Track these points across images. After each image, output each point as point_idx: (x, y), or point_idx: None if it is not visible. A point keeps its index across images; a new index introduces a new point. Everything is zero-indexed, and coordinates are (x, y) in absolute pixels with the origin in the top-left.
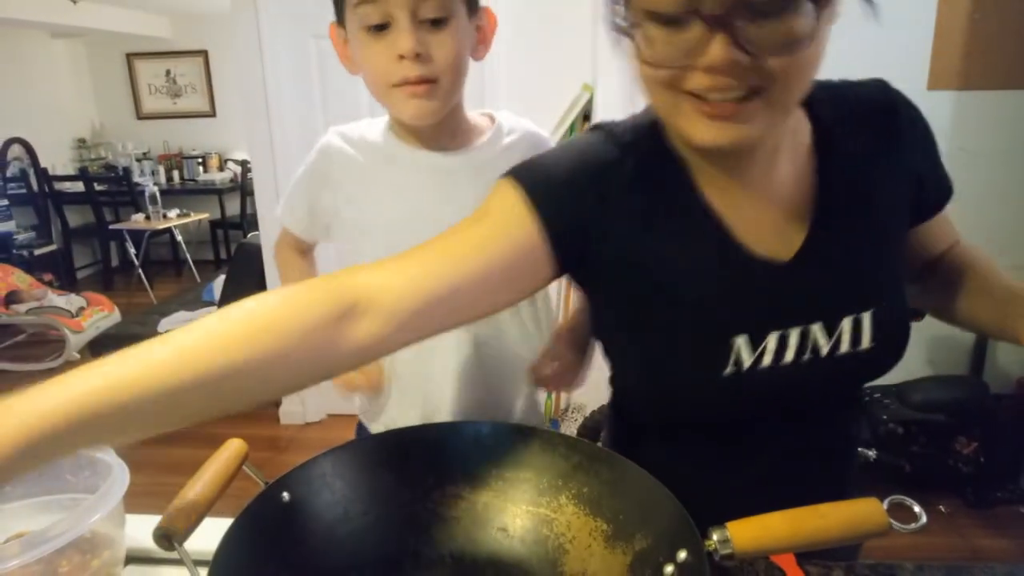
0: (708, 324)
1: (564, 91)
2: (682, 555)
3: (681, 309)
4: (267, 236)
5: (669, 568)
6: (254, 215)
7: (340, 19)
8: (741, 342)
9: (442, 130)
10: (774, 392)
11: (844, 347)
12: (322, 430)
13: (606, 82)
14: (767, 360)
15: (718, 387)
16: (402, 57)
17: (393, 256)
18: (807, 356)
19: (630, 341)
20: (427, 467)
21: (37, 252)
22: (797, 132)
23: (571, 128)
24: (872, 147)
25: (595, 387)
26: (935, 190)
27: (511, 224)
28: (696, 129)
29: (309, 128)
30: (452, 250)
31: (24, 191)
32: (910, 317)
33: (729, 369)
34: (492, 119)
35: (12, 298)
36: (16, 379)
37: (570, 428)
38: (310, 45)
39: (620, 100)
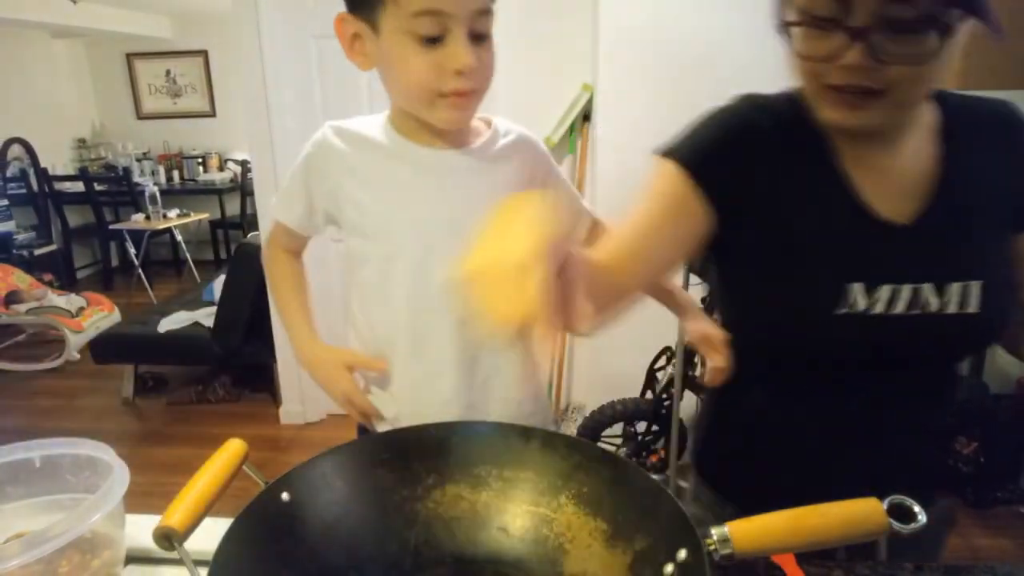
0: (830, 269)
1: (564, 91)
2: (682, 555)
3: (810, 255)
4: (267, 236)
5: (669, 568)
6: (254, 215)
7: (363, 14)
8: (857, 288)
9: (454, 134)
10: (882, 337)
11: (951, 308)
12: (322, 430)
13: (606, 82)
14: (879, 307)
15: (831, 323)
16: (459, 72)
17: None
18: (916, 311)
19: (762, 281)
20: (427, 467)
21: (37, 252)
22: (926, 118)
23: (571, 127)
24: (991, 147)
25: (595, 387)
26: None
27: (674, 194)
28: (828, 112)
29: (309, 128)
30: (635, 226)
31: (24, 191)
32: (1018, 295)
33: (843, 309)
34: (488, 123)
35: (12, 298)
36: (16, 379)
37: (570, 428)
38: (310, 45)
39: (619, 100)
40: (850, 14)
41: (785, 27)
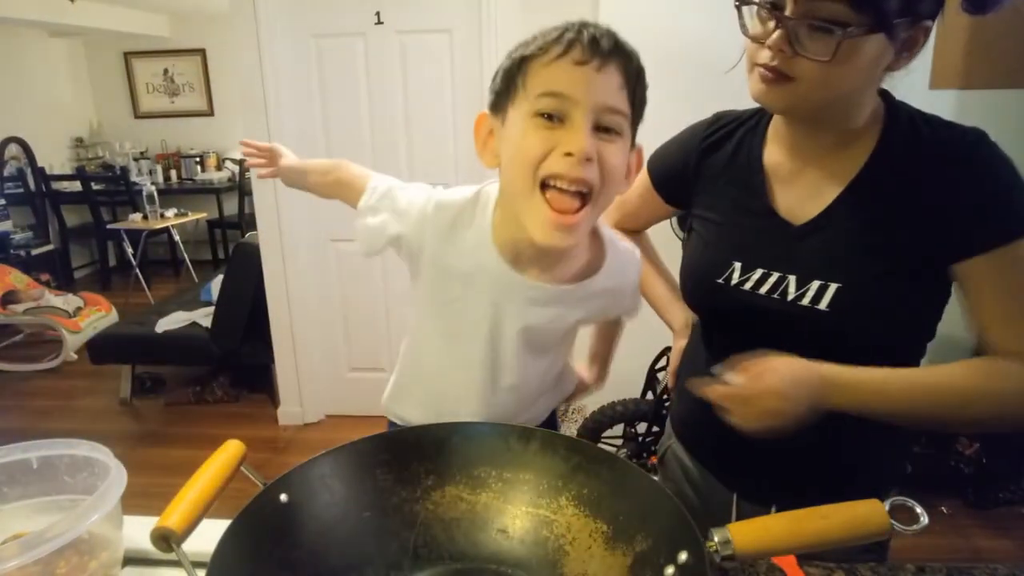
0: (724, 247)
1: None
2: (683, 556)
3: (715, 235)
4: (265, 235)
5: (670, 570)
6: (252, 215)
7: (498, 107)
8: (737, 265)
9: (559, 259)
10: (749, 311)
11: (804, 301)
12: (321, 431)
13: None
14: (748, 285)
15: (714, 289)
16: (569, 154)
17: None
18: (776, 295)
19: (690, 247)
20: (426, 468)
21: (34, 252)
22: (867, 130)
23: None
24: (937, 173)
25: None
26: (974, 228)
27: (643, 184)
28: (753, 85)
29: (307, 127)
30: (626, 199)
31: (21, 190)
32: (883, 311)
33: (721, 279)
34: (597, 238)
35: (9, 298)
36: (13, 380)
37: (570, 429)
38: (309, 44)
39: None
40: (785, 4)
41: (739, 6)
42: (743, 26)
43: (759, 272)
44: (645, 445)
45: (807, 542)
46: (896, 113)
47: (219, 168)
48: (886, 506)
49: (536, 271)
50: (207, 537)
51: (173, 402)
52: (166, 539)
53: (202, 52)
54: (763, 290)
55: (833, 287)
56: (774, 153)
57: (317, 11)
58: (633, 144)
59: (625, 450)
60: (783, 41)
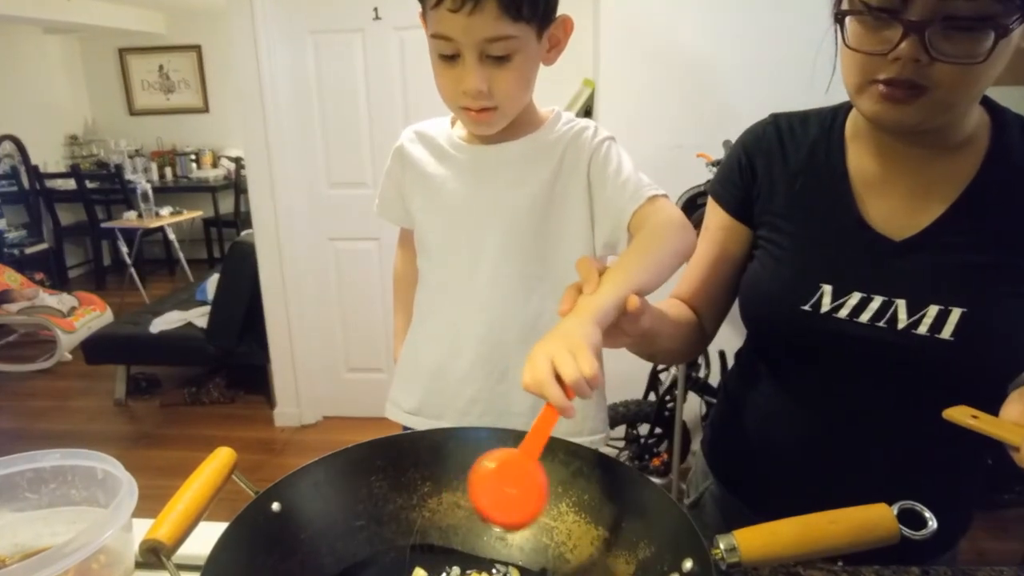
0: (807, 267)
1: (565, 86)
2: (687, 564)
3: (796, 253)
4: (261, 234)
5: None
6: (248, 213)
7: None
8: (827, 289)
9: (506, 127)
10: (844, 340)
11: (922, 329)
12: (317, 432)
13: (607, 77)
14: (843, 312)
15: (796, 317)
16: (466, 93)
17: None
18: (883, 323)
19: (757, 270)
20: (422, 474)
21: (28, 251)
22: (972, 137)
23: None
24: None
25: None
26: None
27: (719, 226)
28: (869, 106)
29: (305, 124)
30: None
31: (15, 189)
32: (1012, 336)
33: (807, 306)
34: (552, 116)
35: (3, 298)
36: (7, 380)
37: None
38: (306, 40)
39: (621, 95)
40: (908, 7)
41: (841, 17)
42: (844, 40)
43: (857, 296)
44: (647, 447)
45: (815, 548)
46: (1003, 118)
47: (215, 166)
48: (894, 510)
49: (495, 138)
50: (199, 541)
51: (168, 403)
52: (155, 551)
53: (198, 49)
54: (864, 318)
55: (957, 312)
56: (859, 157)
57: (314, 7)
58: (547, 26)
59: (627, 452)
60: (918, 49)
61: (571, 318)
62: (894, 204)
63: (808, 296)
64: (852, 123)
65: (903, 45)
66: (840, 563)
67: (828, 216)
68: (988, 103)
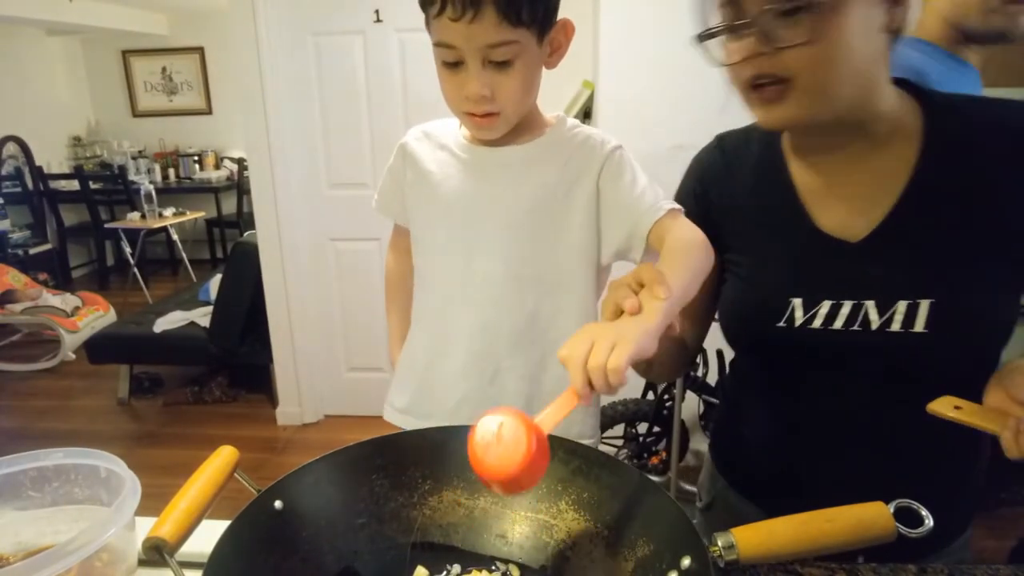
0: (775, 284)
1: (565, 88)
2: (686, 562)
3: (759, 272)
4: (263, 234)
5: (673, 575)
6: (250, 213)
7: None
8: (797, 303)
9: (510, 131)
10: (823, 350)
11: (895, 326)
12: (319, 431)
13: (606, 79)
14: (816, 322)
15: (775, 335)
16: (468, 99)
17: None
18: (856, 327)
19: (729, 293)
20: (423, 472)
21: (32, 251)
22: (900, 125)
23: None
24: (1001, 157)
25: None
26: None
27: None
28: (757, 114)
29: (306, 125)
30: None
31: (19, 190)
32: (984, 320)
33: (782, 323)
34: (558, 122)
35: (7, 298)
36: (10, 379)
37: None
38: (308, 42)
39: (620, 97)
40: (741, 12)
41: (702, 42)
42: (713, 60)
43: (827, 305)
44: (646, 445)
45: (812, 546)
46: (931, 101)
47: (217, 167)
48: (891, 509)
49: (500, 142)
50: (201, 539)
51: (171, 402)
52: (158, 549)
53: (200, 50)
54: (838, 324)
55: (925, 304)
56: (800, 168)
57: (316, 9)
58: (547, 31)
59: (626, 450)
60: (759, 42)
61: (638, 318)
62: (844, 207)
63: (780, 313)
64: (787, 137)
65: (747, 42)
66: (861, 559)
67: (784, 231)
68: (915, 89)
